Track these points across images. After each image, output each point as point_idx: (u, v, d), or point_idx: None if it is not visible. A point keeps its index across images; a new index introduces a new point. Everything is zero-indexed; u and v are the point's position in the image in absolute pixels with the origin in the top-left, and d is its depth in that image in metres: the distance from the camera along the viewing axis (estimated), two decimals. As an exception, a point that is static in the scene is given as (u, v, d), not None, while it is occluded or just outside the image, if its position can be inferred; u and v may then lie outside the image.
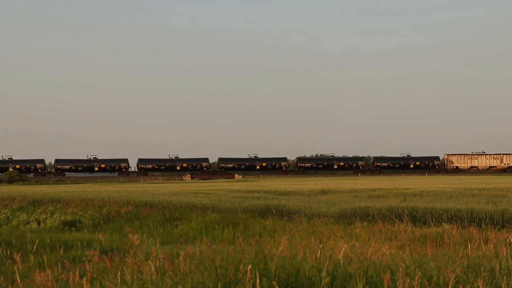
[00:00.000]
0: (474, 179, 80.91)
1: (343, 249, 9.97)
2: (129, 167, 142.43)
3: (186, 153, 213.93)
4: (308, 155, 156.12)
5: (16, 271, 9.89)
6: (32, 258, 16.39)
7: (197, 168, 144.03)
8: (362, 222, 25.69)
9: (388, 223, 24.76)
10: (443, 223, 24.93)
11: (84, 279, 8.42)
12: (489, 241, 18.58)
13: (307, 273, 8.95)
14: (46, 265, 13.36)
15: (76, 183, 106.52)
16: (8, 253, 17.63)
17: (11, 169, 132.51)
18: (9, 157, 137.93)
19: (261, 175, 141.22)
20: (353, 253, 10.06)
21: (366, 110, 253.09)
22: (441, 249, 16.95)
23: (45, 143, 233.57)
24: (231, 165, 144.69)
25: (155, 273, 8.94)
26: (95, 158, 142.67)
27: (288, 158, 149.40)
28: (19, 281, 9.12)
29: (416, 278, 8.52)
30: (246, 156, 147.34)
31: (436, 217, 25.97)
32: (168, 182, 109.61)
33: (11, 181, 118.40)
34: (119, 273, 9.09)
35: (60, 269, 10.32)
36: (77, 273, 8.63)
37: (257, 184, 69.49)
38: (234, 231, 24.59)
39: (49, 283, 8.48)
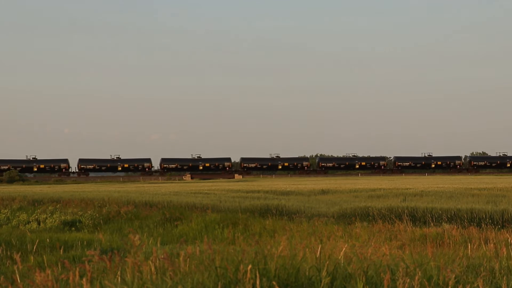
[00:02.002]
0: (474, 179, 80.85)
1: (343, 249, 9.97)
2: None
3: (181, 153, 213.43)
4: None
5: (16, 271, 9.89)
6: (32, 258, 16.38)
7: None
8: (362, 222, 25.68)
9: (388, 223, 24.75)
10: (443, 223, 24.93)
11: (84, 279, 8.41)
12: (489, 241, 18.58)
13: (307, 273, 8.94)
14: (46, 265, 13.37)
15: (76, 183, 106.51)
16: (8, 253, 17.63)
17: None
18: None
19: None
20: (353, 253, 10.06)
21: (371, 108, 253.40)
22: (441, 249, 16.94)
23: (42, 141, 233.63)
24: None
25: (155, 273, 8.93)
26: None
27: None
28: (19, 281, 9.12)
29: (416, 278, 8.52)
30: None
31: (436, 217, 25.96)
32: (168, 182, 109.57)
33: (11, 181, 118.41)
34: (119, 273, 9.09)
35: (60, 269, 10.32)
36: (77, 273, 8.62)
37: (257, 184, 69.47)
38: (234, 231, 24.57)
39: (49, 283, 8.48)
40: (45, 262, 14.49)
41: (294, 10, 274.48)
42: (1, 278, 9.83)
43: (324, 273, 8.78)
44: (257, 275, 8.35)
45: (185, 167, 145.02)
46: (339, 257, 9.47)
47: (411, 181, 71.98)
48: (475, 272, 10.00)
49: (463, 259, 10.89)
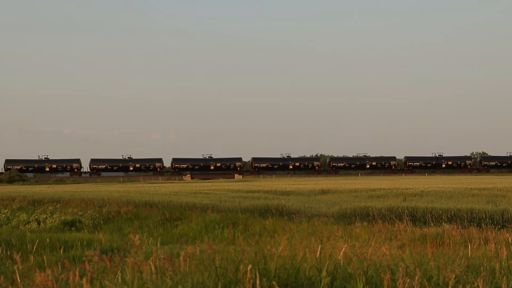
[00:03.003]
0: (474, 179, 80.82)
1: (343, 249, 9.97)
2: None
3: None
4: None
5: (16, 271, 9.89)
6: (32, 258, 16.38)
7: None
8: (362, 222, 25.67)
9: (388, 223, 24.75)
10: (443, 223, 24.92)
11: (84, 279, 8.41)
12: (489, 241, 18.59)
13: (307, 273, 8.94)
14: (46, 265, 13.36)
15: (76, 183, 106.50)
16: (8, 253, 17.63)
17: None
18: None
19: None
20: (353, 253, 10.07)
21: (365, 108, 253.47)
22: (441, 249, 16.94)
23: (45, 141, 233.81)
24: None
25: (155, 273, 8.93)
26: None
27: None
28: (19, 281, 9.12)
29: (416, 278, 8.52)
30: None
31: (436, 217, 25.95)
32: (168, 182, 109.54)
33: (11, 181, 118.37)
34: (119, 273, 9.09)
35: (60, 269, 10.31)
36: (77, 273, 8.62)
37: (257, 184, 69.46)
38: (234, 231, 24.58)
39: (49, 283, 8.48)
40: (45, 262, 14.49)
41: (294, 10, 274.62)
42: (1, 278, 9.84)
43: (324, 273, 8.78)
44: (257, 275, 8.35)
45: (275, 166, 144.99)
46: (339, 257, 9.47)
47: (411, 181, 71.97)
48: (475, 272, 9.99)
49: (463, 259, 10.88)
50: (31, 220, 33.63)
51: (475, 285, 8.92)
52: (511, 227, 23.39)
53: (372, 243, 12.13)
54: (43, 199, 42.98)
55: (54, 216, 33.39)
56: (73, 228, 30.74)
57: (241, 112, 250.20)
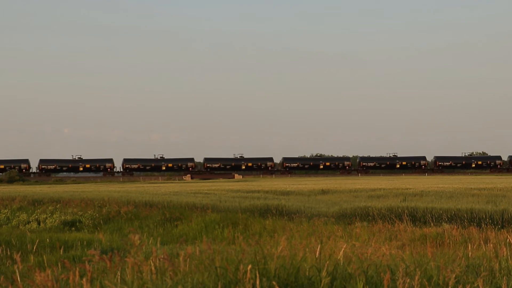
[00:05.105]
0: (474, 179, 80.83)
1: (343, 249, 9.97)
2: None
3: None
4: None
5: (16, 271, 9.89)
6: (32, 258, 16.38)
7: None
8: (362, 222, 25.68)
9: (388, 223, 24.75)
10: (443, 223, 24.93)
11: (84, 279, 8.41)
12: (489, 241, 18.58)
13: (307, 273, 8.94)
14: (46, 265, 13.37)
15: (76, 183, 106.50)
16: (8, 253, 17.63)
17: None
18: None
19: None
20: (353, 253, 10.07)
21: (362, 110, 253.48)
22: (441, 249, 16.95)
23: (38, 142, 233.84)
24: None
25: (155, 273, 8.93)
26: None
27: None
28: (19, 281, 9.12)
29: (416, 278, 8.52)
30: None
31: (436, 217, 25.95)
32: (168, 182, 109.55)
33: (11, 181, 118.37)
34: (119, 273, 9.09)
35: (60, 269, 10.31)
36: (77, 273, 8.62)
37: (257, 184, 69.44)
38: (234, 231, 24.57)
39: (49, 283, 8.48)
40: (45, 262, 14.50)
41: (292, 10, 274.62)
42: (1, 278, 9.83)
43: (324, 273, 8.78)
44: (257, 275, 8.35)
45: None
46: (339, 257, 9.47)
47: (411, 181, 71.97)
48: (475, 272, 9.99)
49: (463, 259, 10.88)
50: (31, 220, 33.63)
51: (475, 285, 8.92)
52: (511, 227, 23.39)
53: (372, 243, 12.14)
54: (43, 199, 42.98)
55: (54, 216, 33.39)
56: (73, 228, 30.74)
57: (238, 113, 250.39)
